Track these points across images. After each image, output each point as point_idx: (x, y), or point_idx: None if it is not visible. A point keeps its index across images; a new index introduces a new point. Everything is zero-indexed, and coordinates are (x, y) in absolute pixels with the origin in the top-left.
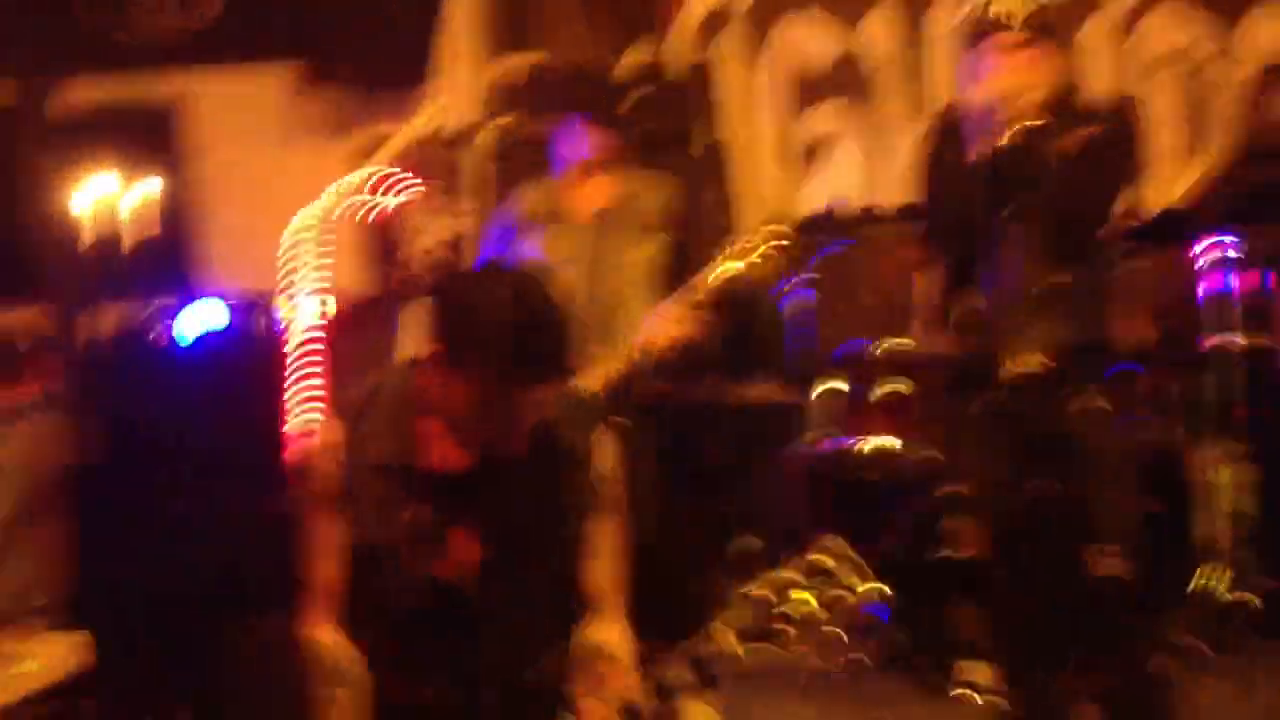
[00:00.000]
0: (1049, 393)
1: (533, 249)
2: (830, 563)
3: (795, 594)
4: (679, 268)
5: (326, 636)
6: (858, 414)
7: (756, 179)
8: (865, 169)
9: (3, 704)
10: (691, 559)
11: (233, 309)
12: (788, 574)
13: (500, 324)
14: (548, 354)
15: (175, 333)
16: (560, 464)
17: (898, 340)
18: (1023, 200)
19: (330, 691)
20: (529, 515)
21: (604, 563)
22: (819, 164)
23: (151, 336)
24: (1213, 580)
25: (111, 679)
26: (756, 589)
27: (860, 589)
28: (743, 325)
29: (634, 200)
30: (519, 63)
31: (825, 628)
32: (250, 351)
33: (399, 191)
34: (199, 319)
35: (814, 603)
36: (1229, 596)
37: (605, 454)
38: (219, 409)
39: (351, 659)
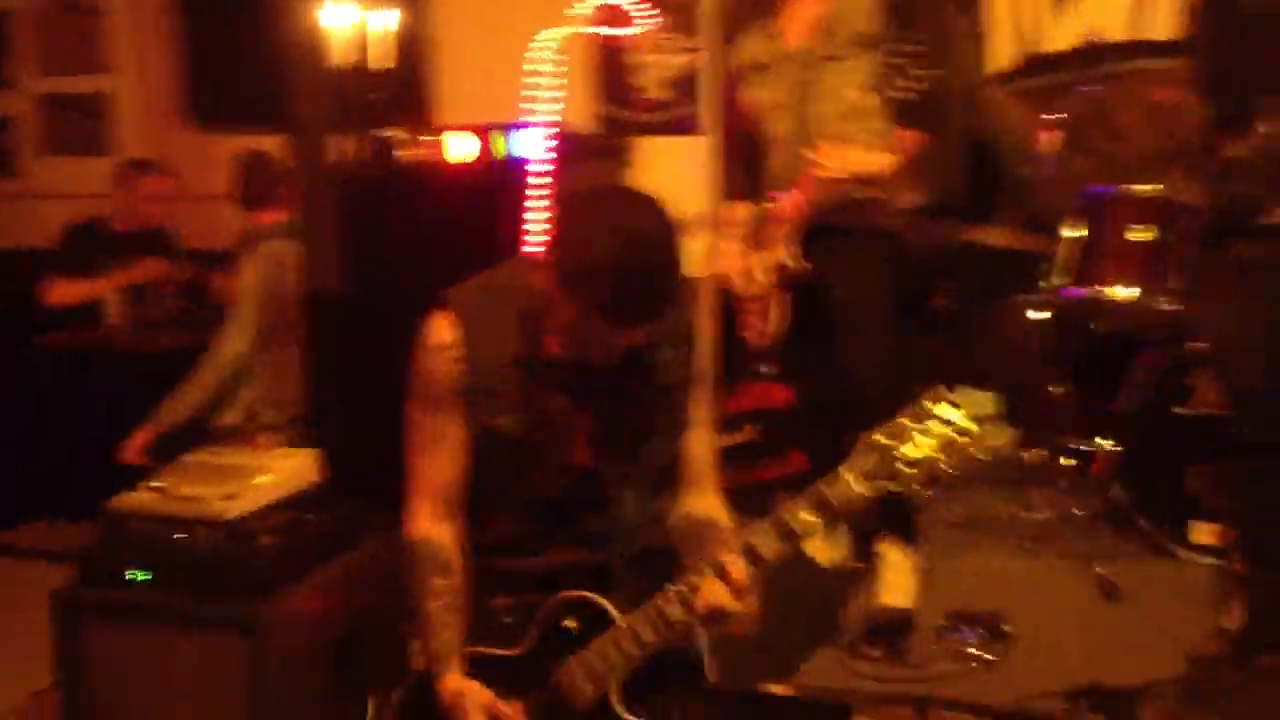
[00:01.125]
0: None
1: (749, 102)
2: (945, 409)
3: (913, 437)
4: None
5: (434, 529)
6: (1102, 262)
7: (1013, 7)
8: (1129, 5)
9: (240, 513)
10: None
11: (471, 139)
12: (905, 420)
13: (604, 265)
14: (652, 296)
15: (414, 161)
16: (668, 346)
17: (1149, 186)
18: None
19: (431, 582)
20: (643, 395)
21: (701, 433)
22: None
23: (391, 165)
24: None
25: (338, 496)
26: (879, 434)
27: (976, 432)
28: (988, 167)
29: (840, 16)
30: None
31: (943, 468)
32: (488, 182)
33: (635, 23)
34: (439, 148)
35: (929, 445)
36: None
37: (706, 330)
38: (458, 239)
39: (457, 549)
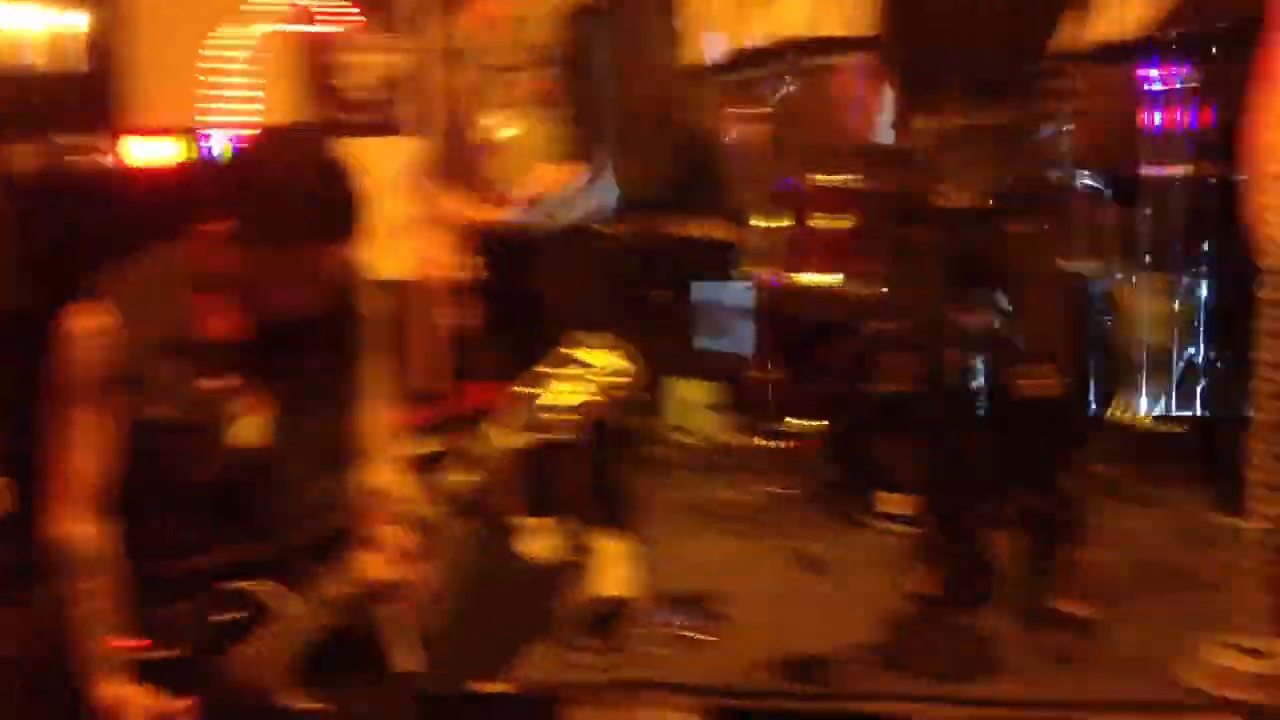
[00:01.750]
0: (984, 223)
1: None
2: (583, 353)
3: (556, 385)
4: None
5: (80, 529)
6: (798, 250)
7: (706, 6)
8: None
9: None
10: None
11: (160, 144)
12: (544, 369)
13: (294, 191)
14: (340, 220)
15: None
16: (342, 318)
17: (839, 175)
18: (961, 36)
19: (81, 585)
20: (316, 372)
21: (375, 405)
22: None
23: (81, 170)
24: (1130, 409)
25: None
26: (521, 387)
27: (613, 369)
28: (686, 162)
29: (519, 26)
30: None
31: (580, 414)
32: (178, 186)
33: (334, 21)
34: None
35: (571, 392)
36: (1147, 424)
37: (377, 302)
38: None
39: (107, 548)
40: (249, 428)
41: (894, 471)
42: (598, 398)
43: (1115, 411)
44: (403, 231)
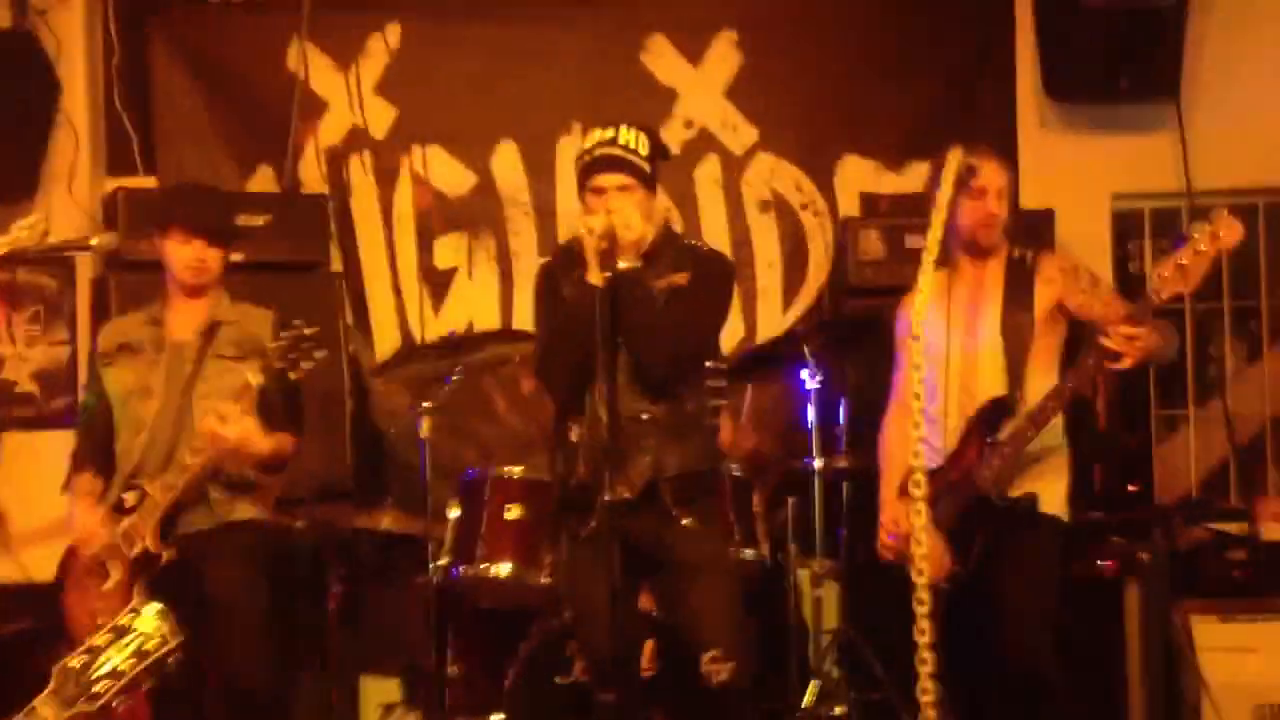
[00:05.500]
0: (646, 516)
1: (119, 381)
2: (137, 620)
3: (110, 653)
4: (281, 398)
5: None
6: (481, 540)
7: (390, 307)
8: (499, 299)
9: None
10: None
11: None
12: (98, 639)
13: None
14: None
15: None
16: None
17: (511, 466)
18: (618, 337)
19: None
20: None
21: None
22: (452, 292)
23: None
24: (811, 695)
25: None
26: (72, 659)
27: (163, 635)
28: (372, 453)
29: (235, 327)
30: (133, 182)
31: (139, 674)
32: None
33: None
34: None
35: (118, 658)
36: (824, 710)
37: None
38: None
39: None
40: None
41: None
42: (141, 661)
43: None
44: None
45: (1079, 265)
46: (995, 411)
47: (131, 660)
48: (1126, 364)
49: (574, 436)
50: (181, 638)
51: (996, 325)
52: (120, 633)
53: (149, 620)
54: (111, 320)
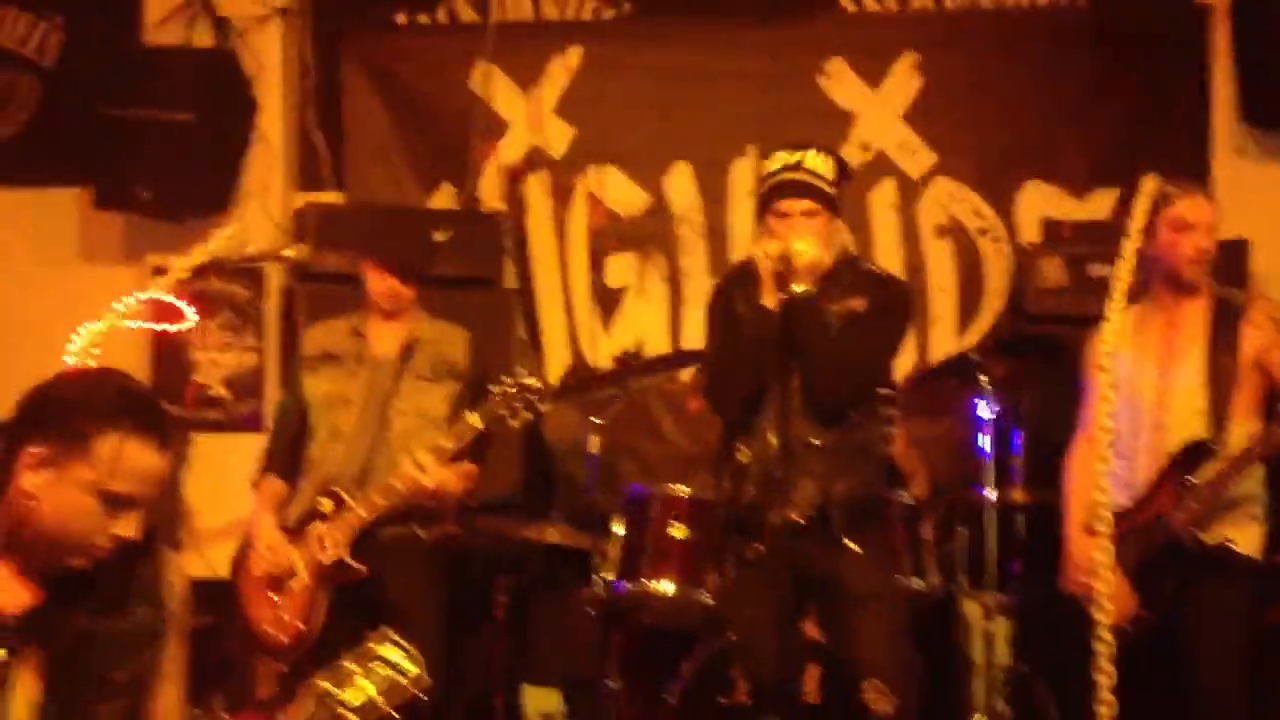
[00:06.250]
0: (813, 541)
1: (318, 387)
2: (386, 649)
3: (355, 681)
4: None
5: None
6: (644, 558)
7: (561, 325)
8: (668, 318)
9: None
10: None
11: None
12: (348, 663)
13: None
14: (157, 414)
15: None
16: (131, 590)
17: (678, 486)
18: (792, 361)
19: None
20: (99, 644)
21: (171, 689)
22: (623, 311)
23: None
24: None
25: None
26: (322, 679)
27: (412, 673)
28: (542, 467)
29: (432, 346)
30: (322, 197)
31: (384, 709)
32: None
33: (181, 320)
34: None
35: (371, 689)
36: None
37: (177, 577)
38: None
39: None
40: (20, 707)
41: None
42: (390, 699)
43: None
44: (229, 531)
45: None
46: (1195, 454)
47: (384, 695)
48: None
49: (742, 458)
50: (429, 680)
51: (1200, 366)
52: (367, 657)
53: (395, 651)
54: (317, 324)
